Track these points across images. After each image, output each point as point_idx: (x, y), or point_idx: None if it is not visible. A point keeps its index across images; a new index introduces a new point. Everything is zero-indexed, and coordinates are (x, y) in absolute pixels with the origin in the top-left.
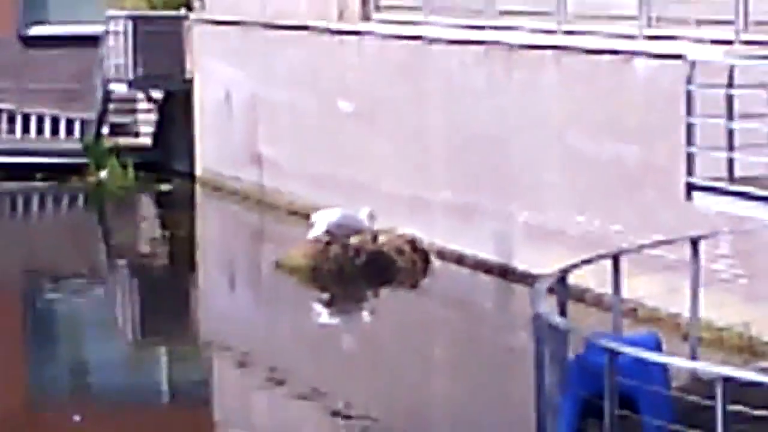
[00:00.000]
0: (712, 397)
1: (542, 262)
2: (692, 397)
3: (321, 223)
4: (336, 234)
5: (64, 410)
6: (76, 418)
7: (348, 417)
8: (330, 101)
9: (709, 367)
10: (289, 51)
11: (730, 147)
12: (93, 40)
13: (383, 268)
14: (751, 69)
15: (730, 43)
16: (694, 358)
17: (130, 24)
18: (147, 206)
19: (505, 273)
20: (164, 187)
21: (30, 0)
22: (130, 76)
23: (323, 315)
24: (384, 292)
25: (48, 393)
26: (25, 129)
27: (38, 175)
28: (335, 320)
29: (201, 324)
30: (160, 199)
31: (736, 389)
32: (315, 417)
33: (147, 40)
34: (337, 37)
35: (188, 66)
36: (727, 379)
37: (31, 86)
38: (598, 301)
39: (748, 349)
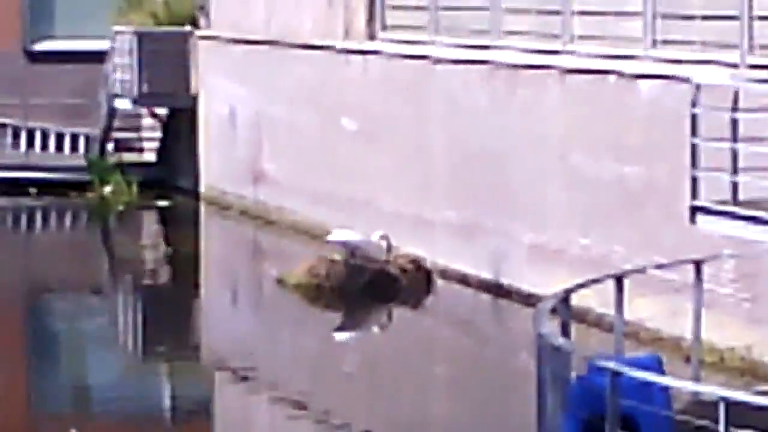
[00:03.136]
0: (714, 420)
1: (545, 283)
2: (694, 420)
3: (342, 236)
4: (350, 253)
5: (62, 423)
6: (73, 431)
7: None
8: (334, 119)
9: (710, 389)
10: (294, 69)
11: (735, 170)
12: (98, 56)
13: (386, 287)
14: (756, 92)
15: (735, 66)
16: (696, 380)
17: (135, 40)
18: (151, 223)
19: (507, 293)
20: (162, 203)
21: (36, 15)
22: (135, 92)
23: (325, 333)
24: (386, 310)
25: (48, 407)
26: (30, 144)
27: (32, 190)
28: (337, 338)
29: (203, 341)
30: (164, 216)
31: (737, 412)
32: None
33: (152, 56)
34: (342, 56)
35: (193, 83)
36: (728, 402)
37: (36, 101)
38: (600, 322)
39: (750, 372)
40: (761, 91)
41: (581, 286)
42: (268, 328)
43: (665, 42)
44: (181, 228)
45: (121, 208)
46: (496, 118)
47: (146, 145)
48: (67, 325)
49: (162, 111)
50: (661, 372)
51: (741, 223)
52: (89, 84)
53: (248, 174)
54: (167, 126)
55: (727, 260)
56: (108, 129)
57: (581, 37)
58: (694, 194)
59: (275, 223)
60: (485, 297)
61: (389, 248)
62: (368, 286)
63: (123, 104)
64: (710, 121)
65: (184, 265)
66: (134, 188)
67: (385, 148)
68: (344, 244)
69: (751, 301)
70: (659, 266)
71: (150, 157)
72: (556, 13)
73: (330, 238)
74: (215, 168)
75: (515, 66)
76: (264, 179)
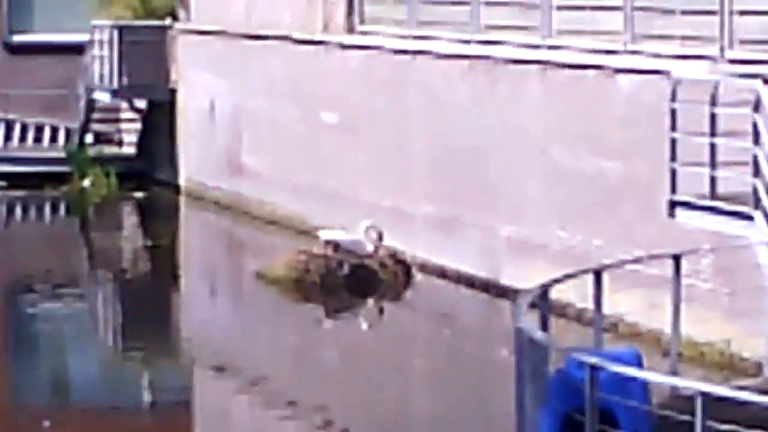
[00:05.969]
0: (692, 414)
1: (524, 277)
2: (672, 413)
3: (333, 235)
4: (333, 248)
5: (36, 417)
6: (46, 423)
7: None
8: (314, 112)
9: (689, 383)
10: (274, 62)
11: (713, 164)
12: (78, 49)
13: (365, 281)
14: (735, 86)
15: (714, 60)
16: (674, 374)
17: (115, 33)
18: (129, 215)
19: (486, 287)
20: (138, 194)
21: (15, 7)
22: (115, 85)
23: (304, 327)
24: (366, 304)
25: (23, 399)
26: (8, 136)
27: (0, 183)
28: (316, 332)
29: (181, 335)
30: (143, 209)
31: (715, 406)
32: (295, 429)
33: (132, 49)
34: (322, 49)
35: (172, 75)
36: (706, 396)
37: (16, 93)
38: (579, 316)
39: (729, 366)
40: (740, 85)
41: (560, 280)
42: (247, 322)
43: (645, 36)
44: (160, 221)
45: (99, 200)
46: (476, 111)
47: (125, 137)
48: (43, 318)
49: (141, 103)
50: (640, 366)
51: (720, 217)
52: (69, 76)
53: (227, 166)
54: (146, 119)
55: (706, 254)
56: (87, 121)
57: (561, 32)
58: (674, 188)
59: (254, 215)
60: (465, 291)
61: (380, 239)
62: (348, 280)
63: (102, 97)
64: (690, 116)
65: (163, 258)
66: (113, 180)
67: (365, 141)
68: (334, 245)
69: (730, 295)
70: (638, 260)
71: (129, 149)
72: (536, 7)
73: (322, 235)
74: (194, 160)
75: (495, 60)
76: (243, 172)
